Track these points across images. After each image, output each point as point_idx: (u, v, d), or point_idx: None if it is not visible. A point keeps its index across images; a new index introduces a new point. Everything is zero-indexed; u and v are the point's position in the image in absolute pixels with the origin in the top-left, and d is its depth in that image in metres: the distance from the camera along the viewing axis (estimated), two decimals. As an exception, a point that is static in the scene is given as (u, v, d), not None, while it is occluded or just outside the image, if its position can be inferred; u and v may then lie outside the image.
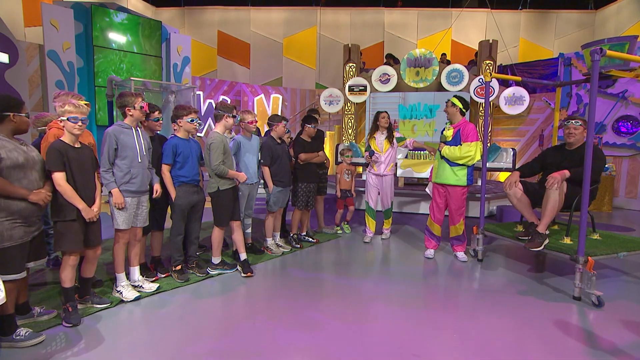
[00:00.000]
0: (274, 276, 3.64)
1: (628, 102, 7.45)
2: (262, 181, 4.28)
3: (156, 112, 3.19)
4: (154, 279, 3.30)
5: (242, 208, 3.95)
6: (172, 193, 3.26)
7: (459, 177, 3.93)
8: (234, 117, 3.53)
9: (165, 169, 3.26)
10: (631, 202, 7.63)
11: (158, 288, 3.13)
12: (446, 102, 3.99)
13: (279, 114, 10.82)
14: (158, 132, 3.34)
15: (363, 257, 4.27)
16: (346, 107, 9.67)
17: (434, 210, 4.14)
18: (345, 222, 5.32)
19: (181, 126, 3.33)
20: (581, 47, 3.84)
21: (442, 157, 3.96)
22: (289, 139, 4.75)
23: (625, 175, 7.66)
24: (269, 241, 4.31)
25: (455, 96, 3.98)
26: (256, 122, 4.03)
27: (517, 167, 3.98)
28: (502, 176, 9.11)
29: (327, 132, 10.35)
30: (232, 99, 10.27)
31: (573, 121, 3.55)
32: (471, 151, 3.81)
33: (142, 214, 3.01)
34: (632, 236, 3.73)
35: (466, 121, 3.96)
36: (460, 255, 4.14)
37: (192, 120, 3.30)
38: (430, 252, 4.23)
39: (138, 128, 2.96)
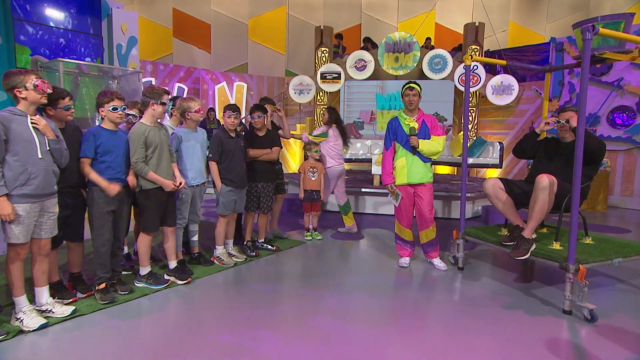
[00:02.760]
0: (223, 292, 3.43)
1: (624, 92, 7.50)
2: (211, 180, 4.05)
3: (66, 99, 2.87)
4: (70, 300, 2.97)
5: (185, 213, 3.70)
6: (103, 185, 2.96)
7: (431, 174, 3.91)
8: (162, 104, 3.24)
9: (84, 162, 2.97)
10: (627, 200, 7.70)
11: (73, 312, 2.81)
12: (409, 90, 3.79)
13: (245, 103, 10.62)
14: (70, 121, 3.01)
15: (329, 267, 4.09)
16: (318, 97, 9.49)
17: (402, 215, 3.98)
18: (314, 230, 5.12)
19: (103, 116, 3.07)
20: (572, 26, 3.73)
21: (416, 152, 3.80)
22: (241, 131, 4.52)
23: (621, 171, 7.72)
24: (219, 250, 4.06)
25: (414, 82, 3.85)
26: (201, 110, 3.78)
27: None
28: (490, 173, 9.08)
29: (298, 125, 10.13)
30: (189, 87, 9.91)
31: (563, 121, 3.50)
32: (442, 145, 3.83)
33: (49, 222, 2.69)
34: (628, 239, 3.67)
35: (423, 111, 3.93)
36: (437, 262, 4.00)
37: (114, 109, 3.02)
38: (405, 261, 4.08)
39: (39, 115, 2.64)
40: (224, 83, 10.29)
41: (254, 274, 3.87)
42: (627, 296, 3.40)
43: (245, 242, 4.36)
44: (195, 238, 3.98)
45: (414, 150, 3.79)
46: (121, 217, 3.19)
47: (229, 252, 4.14)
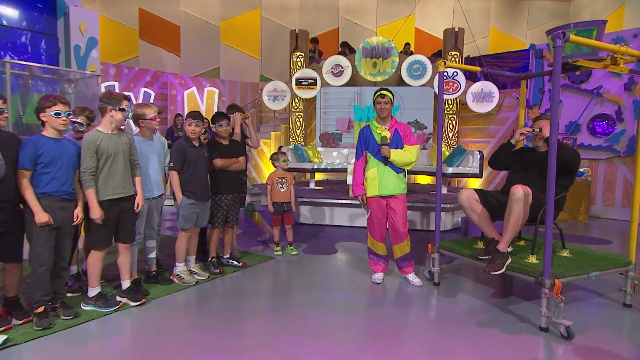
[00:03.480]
0: (182, 312, 3.32)
1: (603, 99, 7.72)
2: (170, 192, 3.97)
3: (-1, 102, 2.76)
4: (2, 328, 2.81)
5: (140, 228, 3.58)
6: (35, 209, 2.85)
7: (404, 185, 3.89)
8: (122, 110, 3.16)
9: (21, 175, 2.84)
10: (609, 210, 7.89)
11: (5, 341, 2.66)
12: (381, 98, 3.79)
13: (216, 110, 10.49)
14: (3, 127, 2.89)
15: (298, 283, 4.05)
16: (293, 104, 9.46)
17: (374, 228, 3.97)
18: (289, 245, 5.06)
19: (45, 121, 2.95)
20: (545, 33, 3.80)
21: (387, 163, 3.79)
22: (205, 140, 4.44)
23: (602, 180, 7.92)
24: (180, 267, 3.95)
25: (385, 89, 3.86)
26: (157, 118, 3.70)
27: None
28: (471, 183, 9.19)
29: (272, 133, 10.08)
30: (156, 92, 9.75)
31: (537, 129, 3.58)
32: (415, 155, 3.82)
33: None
34: (606, 252, 3.72)
35: (396, 119, 3.95)
36: (412, 277, 3.99)
37: (57, 114, 2.91)
38: (378, 276, 4.05)
39: None
40: (194, 88, 10.17)
41: (218, 292, 3.77)
42: (605, 311, 3.44)
43: (209, 259, 4.26)
44: (153, 255, 3.86)
45: (385, 160, 3.78)
46: (65, 235, 3.05)
47: (190, 270, 4.03)
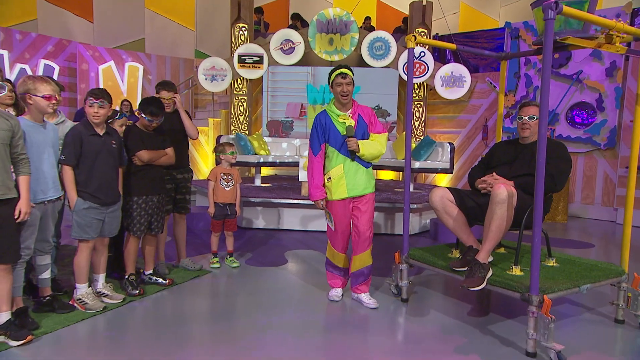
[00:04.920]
0: (87, 351, 2.98)
1: (583, 86, 7.96)
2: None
3: None
4: None
5: (29, 242, 3.16)
6: None
7: (374, 181, 3.77)
8: None
9: None
10: (588, 209, 8.17)
11: None
12: (342, 78, 3.55)
13: (140, 90, 10.01)
14: None
15: (241, 303, 3.87)
16: (236, 85, 9.20)
17: (337, 236, 3.75)
18: (229, 255, 4.81)
19: None
20: (531, 5, 3.74)
21: (355, 158, 3.60)
22: (122, 127, 4.08)
23: (582, 176, 8.19)
24: (82, 289, 3.56)
25: (346, 67, 3.63)
26: (54, 98, 3.29)
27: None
28: (440, 179, 9.25)
29: (210, 120, 9.73)
30: (62, 66, 9.11)
31: (526, 117, 3.51)
32: (384, 145, 3.68)
33: None
34: (595, 260, 3.74)
35: (357, 103, 3.76)
36: (366, 298, 3.78)
37: None
38: (336, 293, 3.88)
39: None
40: (112, 63, 9.73)
41: (137, 319, 3.48)
42: (596, 329, 3.43)
43: (127, 276, 3.92)
44: (47, 275, 3.44)
45: (352, 155, 3.57)
46: None
47: (97, 291, 3.65)
